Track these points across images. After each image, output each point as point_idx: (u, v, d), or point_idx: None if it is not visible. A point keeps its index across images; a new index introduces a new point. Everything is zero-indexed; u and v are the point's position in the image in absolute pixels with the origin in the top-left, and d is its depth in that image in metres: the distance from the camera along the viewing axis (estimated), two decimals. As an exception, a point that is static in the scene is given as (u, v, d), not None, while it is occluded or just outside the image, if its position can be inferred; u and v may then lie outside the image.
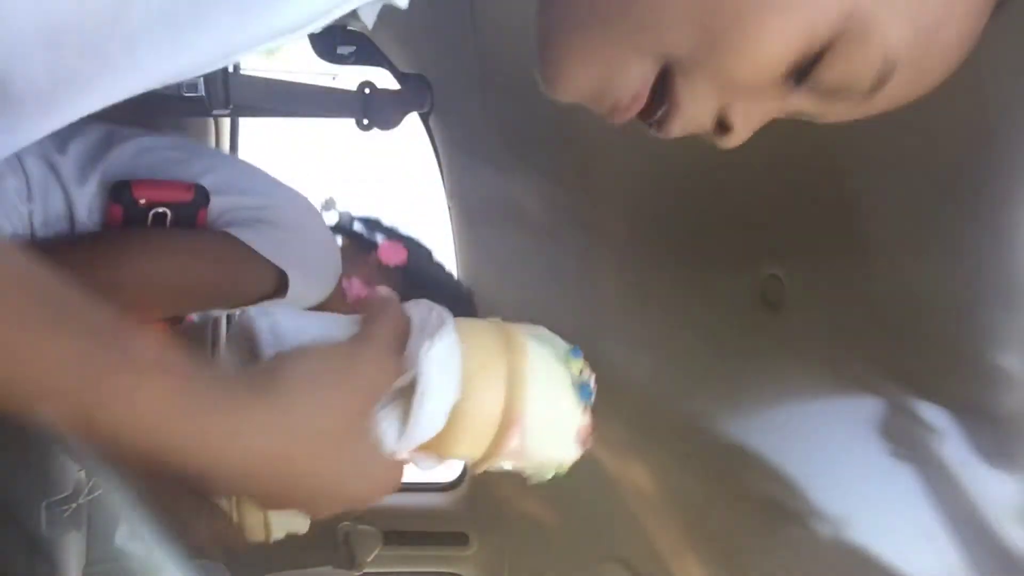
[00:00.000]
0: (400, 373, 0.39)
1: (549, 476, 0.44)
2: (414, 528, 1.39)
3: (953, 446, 0.60)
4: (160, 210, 0.81)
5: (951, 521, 0.62)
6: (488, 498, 1.35)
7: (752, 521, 0.83)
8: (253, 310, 0.41)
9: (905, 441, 0.65)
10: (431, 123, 1.25)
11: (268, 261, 0.80)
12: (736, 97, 0.43)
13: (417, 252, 1.02)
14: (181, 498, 0.39)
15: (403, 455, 0.40)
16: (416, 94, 1.12)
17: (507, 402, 0.40)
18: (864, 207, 0.64)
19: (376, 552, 1.35)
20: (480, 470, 0.43)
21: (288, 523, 0.42)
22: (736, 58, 0.41)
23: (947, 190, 0.57)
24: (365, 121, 1.09)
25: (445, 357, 0.39)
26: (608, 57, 0.43)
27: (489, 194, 1.03)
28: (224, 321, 1.42)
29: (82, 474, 1.16)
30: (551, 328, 0.46)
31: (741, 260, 0.77)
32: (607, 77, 0.43)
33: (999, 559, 0.58)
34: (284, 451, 0.35)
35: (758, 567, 0.84)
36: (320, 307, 0.90)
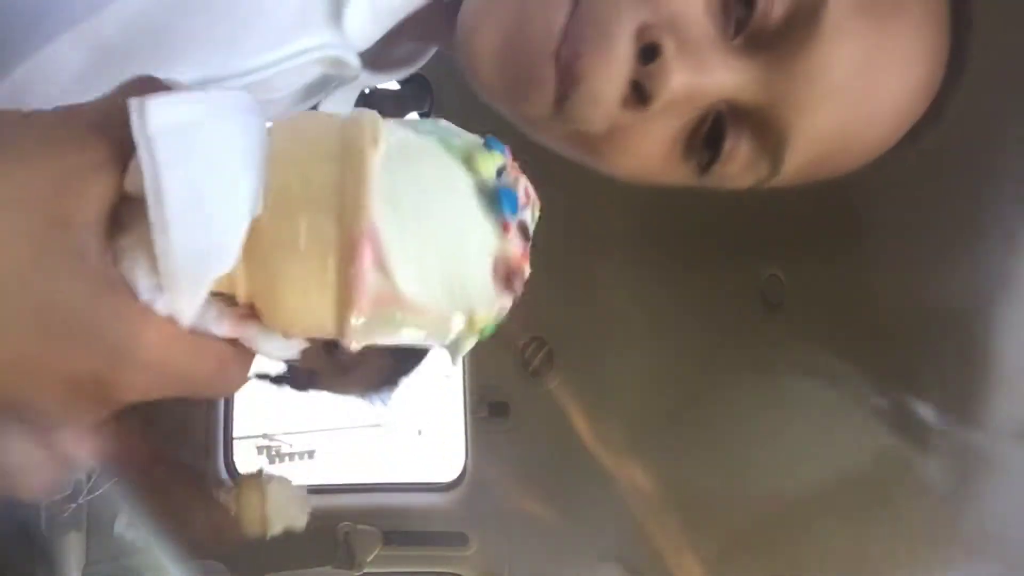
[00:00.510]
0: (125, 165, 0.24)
1: (461, 337, 0.28)
2: (414, 528, 1.38)
3: (950, 448, 0.60)
4: None
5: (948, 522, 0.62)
6: (488, 498, 1.35)
7: (752, 521, 0.83)
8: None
9: (904, 441, 0.65)
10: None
11: None
12: (659, 19, 0.39)
13: None
14: (177, 490, 0.36)
15: (181, 314, 0.24)
16: (416, 94, 1.12)
17: (342, 208, 0.24)
18: (864, 207, 0.64)
19: (376, 552, 1.35)
20: (350, 340, 0.26)
21: (286, 517, 0.38)
22: None
23: (947, 190, 0.57)
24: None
25: (201, 135, 0.24)
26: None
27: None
28: None
29: (82, 474, 1.16)
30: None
31: (741, 260, 0.77)
32: (523, 14, 0.40)
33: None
34: None
35: (758, 567, 0.84)
36: None
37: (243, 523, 0.36)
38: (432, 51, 0.53)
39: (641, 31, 0.38)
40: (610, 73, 0.39)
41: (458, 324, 0.27)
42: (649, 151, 0.42)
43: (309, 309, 0.25)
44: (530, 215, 0.29)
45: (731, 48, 0.39)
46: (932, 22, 0.41)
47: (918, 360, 0.62)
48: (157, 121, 0.22)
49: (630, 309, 0.96)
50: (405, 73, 0.53)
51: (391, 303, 0.25)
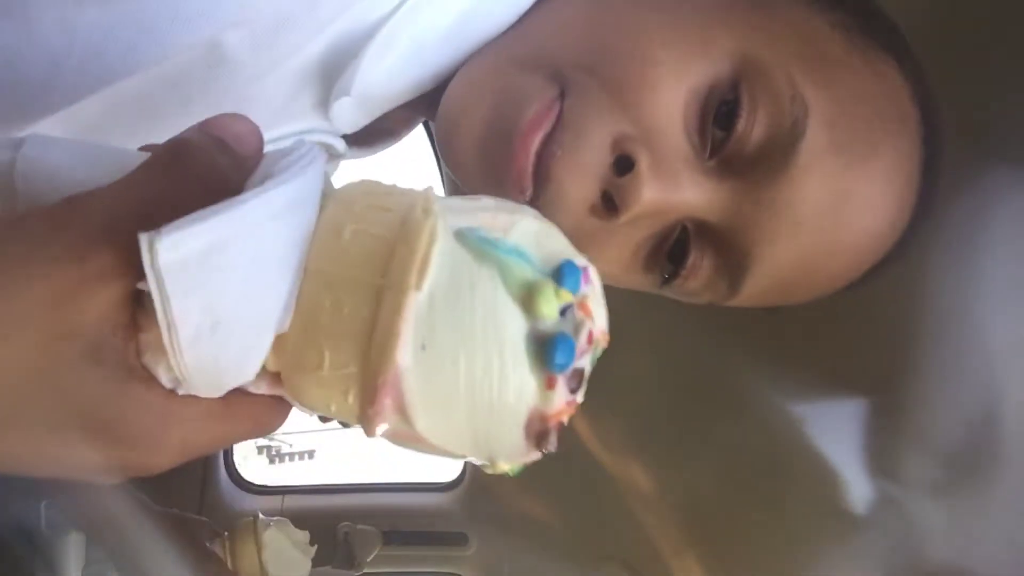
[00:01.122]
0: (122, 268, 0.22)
1: (498, 470, 0.27)
2: (414, 528, 1.38)
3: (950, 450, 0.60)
4: None
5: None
6: (488, 498, 1.35)
7: (753, 521, 0.83)
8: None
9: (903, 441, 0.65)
10: (431, 124, 1.25)
11: None
12: (636, 131, 0.39)
13: None
14: (173, 542, 0.36)
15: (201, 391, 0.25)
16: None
17: (367, 350, 0.23)
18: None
19: (376, 552, 1.35)
20: (371, 434, 0.25)
21: (285, 565, 0.36)
22: (627, 70, 0.38)
23: (948, 189, 0.57)
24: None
25: (222, 258, 0.22)
26: (503, 77, 0.41)
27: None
28: None
29: (82, 474, 1.16)
30: None
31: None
32: (504, 96, 0.40)
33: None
34: None
35: (759, 567, 0.84)
36: None
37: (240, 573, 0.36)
38: (418, 123, 0.54)
39: (618, 141, 0.39)
40: (583, 179, 0.39)
41: (480, 461, 0.27)
42: (611, 258, 0.42)
43: (334, 414, 0.26)
44: (590, 359, 0.26)
45: (705, 168, 0.39)
46: (904, 167, 0.41)
47: (917, 360, 0.62)
48: (169, 257, 0.21)
49: (630, 309, 0.96)
50: (390, 146, 0.54)
51: (410, 440, 0.25)
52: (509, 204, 0.26)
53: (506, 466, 0.27)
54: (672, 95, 0.38)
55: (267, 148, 0.42)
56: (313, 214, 0.24)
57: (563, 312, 0.25)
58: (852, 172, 0.39)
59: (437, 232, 0.23)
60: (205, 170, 0.25)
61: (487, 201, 0.26)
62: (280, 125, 0.43)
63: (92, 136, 0.39)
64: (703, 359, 0.87)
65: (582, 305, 0.25)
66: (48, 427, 0.24)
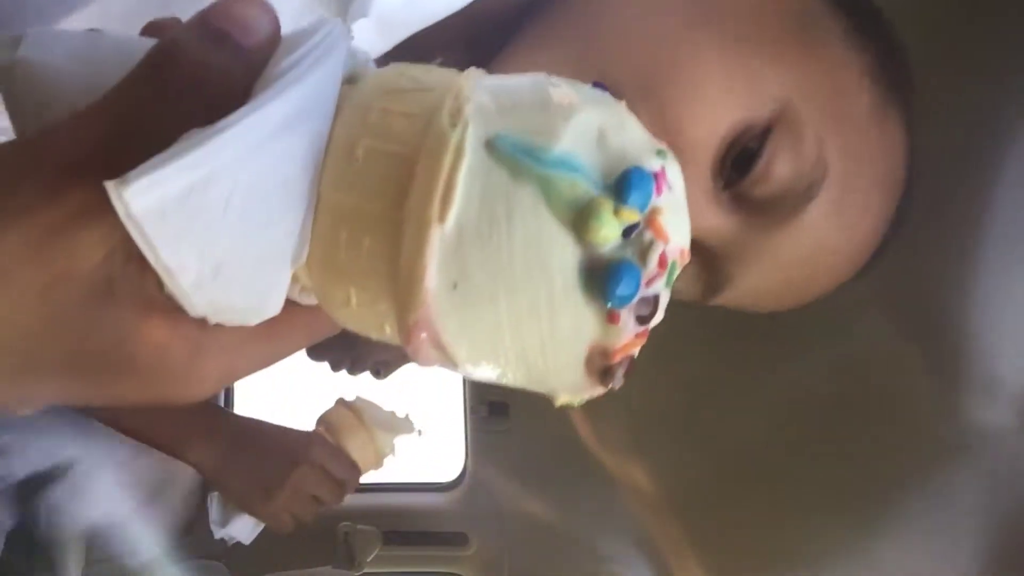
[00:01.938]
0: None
1: (560, 402, 0.24)
2: (414, 528, 1.38)
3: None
4: None
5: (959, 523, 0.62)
6: (488, 498, 1.35)
7: (753, 521, 0.83)
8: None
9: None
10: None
11: None
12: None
13: None
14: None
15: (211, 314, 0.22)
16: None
17: (394, 291, 0.20)
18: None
19: (376, 552, 1.35)
20: (422, 364, 0.22)
21: (392, 434, 0.34)
22: (677, 102, 0.40)
23: (948, 189, 0.57)
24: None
25: (208, 198, 0.19)
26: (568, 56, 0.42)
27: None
28: None
29: (82, 474, 1.16)
30: None
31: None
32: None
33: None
34: None
35: (758, 567, 0.84)
36: None
37: (362, 467, 0.34)
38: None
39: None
40: None
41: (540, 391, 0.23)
42: None
43: (378, 340, 0.23)
44: (664, 283, 0.22)
45: (719, 198, 0.42)
46: (883, 226, 0.45)
47: (917, 359, 0.62)
48: (141, 204, 0.18)
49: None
50: None
51: (458, 369, 0.21)
52: (567, 89, 0.22)
53: (569, 398, 0.24)
54: (711, 131, 0.40)
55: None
56: (325, 124, 0.21)
57: (627, 232, 0.21)
58: (843, 232, 0.43)
59: (465, 147, 0.19)
60: (197, 80, 0.20)
61: (537, 85, 0.22)
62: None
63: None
64: (703, 359, 0.87)
65: (652, 221, 0.21)
66: (71, 370, 0.22)
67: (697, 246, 0.43)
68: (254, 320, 0.22)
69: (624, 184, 0.20)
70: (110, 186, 0.18)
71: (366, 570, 1.36)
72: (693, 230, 0.40)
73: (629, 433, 1.00)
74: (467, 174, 0.19)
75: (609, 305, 0.21)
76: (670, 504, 0.97)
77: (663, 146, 0.22)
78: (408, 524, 1.38)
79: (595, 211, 0.20)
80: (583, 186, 0.20)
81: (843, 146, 0.41)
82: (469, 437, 1.30)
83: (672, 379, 0.92)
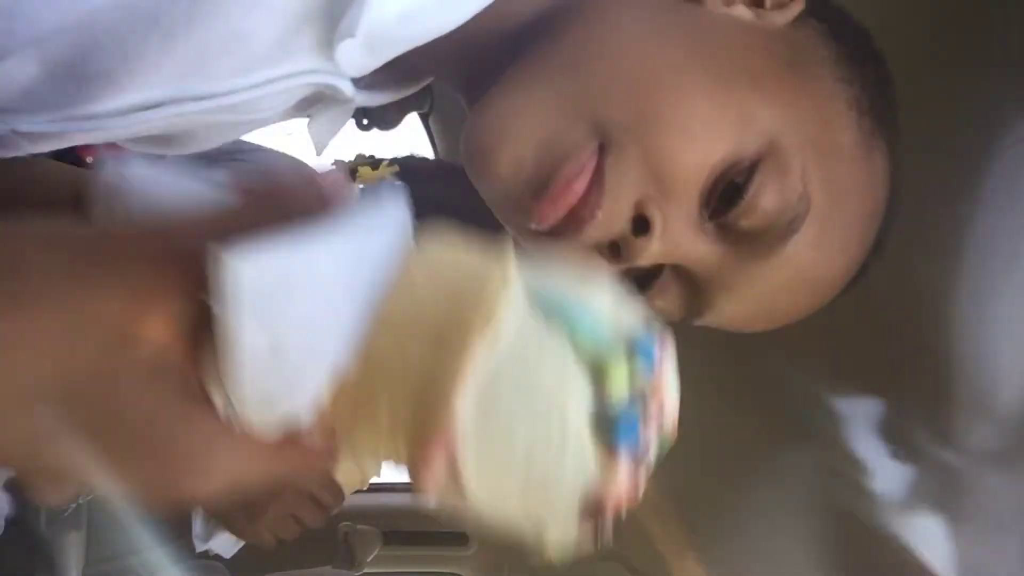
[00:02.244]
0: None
1: (545, 548, 0.25)
2: (414, 528, 1.38)
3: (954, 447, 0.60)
4: None
5: (953, 522, 0.62)
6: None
7: (753, 522, 0.83)
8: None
9: (905, 441, 0.65)
10: (431, 123, 1.25)
11: None
12: (658, 194, 0.42)
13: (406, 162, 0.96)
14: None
15: (258, 426, 0.24)
16: (416, 94, 1.11)
17: (426, 406, 0.22)
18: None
19: (376, 552, 1.35)
20: (420, 486, 0.24)
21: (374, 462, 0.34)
22: (668, 142, 0.41)
23: (947, 189, 0.57)
24: (365, 121, 1.09)
25: (291, 290, 0.22)
26: (548, 118, 0.42)
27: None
28: None
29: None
30: None
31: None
32: (547, 140, 0.42)
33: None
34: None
35: (758, 567, 0.84)
36: None
37: (347, 489, 0.34)
38: (429, 80, 0.51)
39: (641, 202, 0.42)
40: (602, 232, 0.42)
41: (528, 532, 0.25)
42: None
43: (383, 458, 0.25)
44: (655, 448, 0.25)
45: (703, 228, 0.43)
46: (862, 256, 0.46)
47: (917, 358, 0.62)
48: (238, 274, 0.21)
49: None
50: (406, 92, 0.51)
51: (458, 502, 0.24)
52: (584, 269, 0.27)
53: (553, 544, 0.25)
54: (700, 168, 0.41)
55: (265, 91, 0.40)
56: (390, 262, 0.24)
57: (633, 393, 0.24)
58: (824, 262, 0.44)
59: (511, 292, 0.23)
60: (297, 212, 0.25)
61: (563, 263, 0.27)
62: (278, 64, 0.41)
63: (66, 75, 0.37)
64: (703, 358, 0.87)
65: (655, 390, 0.24)
66: (97, 434, 0.23)
67: (682, 272, 0.44)
68: (282, 414, 0.24)
69: (637, 348, 0.24)
70: (217, 251, 0.21)
71: (366, 570, 1.36)
72: (680, 257, 0.43)
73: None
74: (511, 313, 0.23)
75: (613, 452, 0.23)
76: (670, 504, 0.97)
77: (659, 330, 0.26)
78: (408, 524, 1.38)
79: (613, 368, 0.23)
80: (605, 342, 0.24)
81: (827, 179, 0.42)
82: (469, 437, 1.30)
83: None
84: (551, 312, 0.24)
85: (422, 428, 0.22)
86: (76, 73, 0.37)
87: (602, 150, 0.41)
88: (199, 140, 0.49)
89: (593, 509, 0.24)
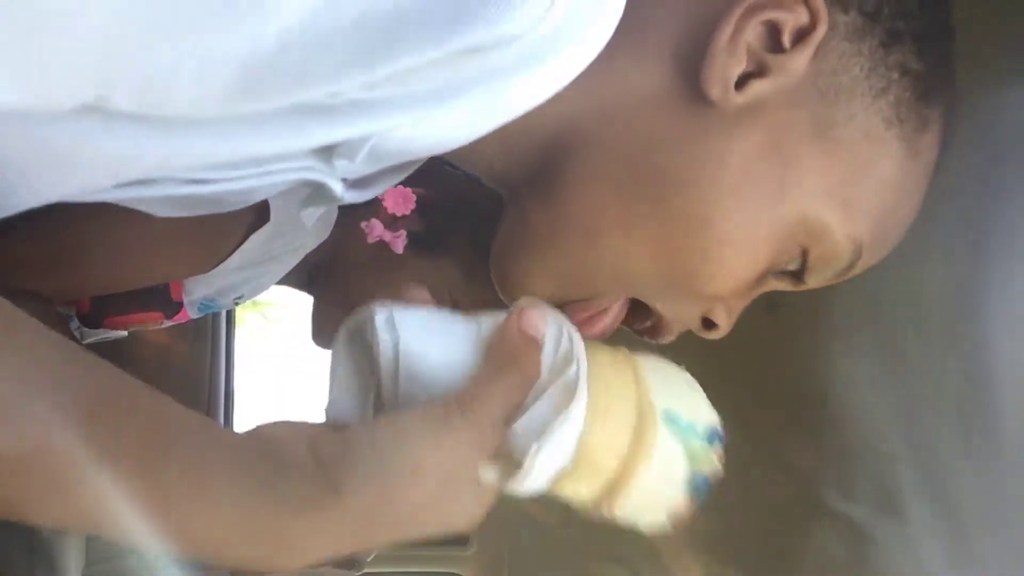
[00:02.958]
0: (501, 441, 0.38)
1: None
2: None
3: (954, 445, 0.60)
4: None
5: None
6: (488, 498, 1.35)
7: (752, 522, 0.83)
8: (375, 306, 0.39)
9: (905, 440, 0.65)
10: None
11: None
12: (717, 302, 0.45)
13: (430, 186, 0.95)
14: None
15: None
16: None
17: (608, 495, 0.40)
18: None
19: (376, 552, 1.35)
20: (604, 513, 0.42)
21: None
22: (705, 288, 0.43)
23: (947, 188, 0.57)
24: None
25: (556, 453, 0.38)
26: (574, 288, 0.45)
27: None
28: (224, 318, 1.41)
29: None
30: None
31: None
32: (571, 295, 0.45)
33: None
34: (357, 540, 0.35)
35: (758, 567, 0.84)
36: (340, 253, 0.81)
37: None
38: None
39: (705, 314, 0.46)
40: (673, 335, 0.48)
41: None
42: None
43: (569, 495, 0.43)
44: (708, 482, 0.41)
45: (763, 285, 0.46)
46: (918, 206, 0.46)
47: (917, 357, 0.62)
48: (540, 459, 0.38)
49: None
50: (391, 184, 0.50)
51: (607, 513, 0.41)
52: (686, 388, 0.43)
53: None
54: (747, 282, 0.44)
55: (263, 179, 0.40)
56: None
57: (703, 464, 0.41)
58: (886, 246, 0.46)
59: (657, 441, 0.39)
60: (533, 369, 0.39)
61: (684, 376, 0.44)
62: (276, 161, 0.40)
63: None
64: (702, 358, 0.87)
65: (715, 459, 0.41)
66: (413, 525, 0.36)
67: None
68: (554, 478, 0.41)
69: (714, 437, 0.41)
70: (533, 447, 0.38)
71: (366, 570, 1.36)
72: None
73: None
74: (661, 427, 0.39)
75: (689, 496, 0.41)
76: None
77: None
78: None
79: (706, 457, 0.40)
80: (700, 445, 0.40)
81: (877, 214, 0.43)
82: (469, 437, 1.29)
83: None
84: (674, 431, 0.39)
85: (607, 496, 0.41)
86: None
87: (645, 304, 0.45)
88: (190, 211, 0.47)
89: (672, 516, 0.41)
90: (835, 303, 0.69)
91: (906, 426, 0.65)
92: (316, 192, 0.44)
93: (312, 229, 0.76)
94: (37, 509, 0.30)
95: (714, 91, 0.39)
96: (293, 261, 0.81)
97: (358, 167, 0.41)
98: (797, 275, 0.44)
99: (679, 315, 0.46)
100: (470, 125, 0.39)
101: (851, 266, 0.44)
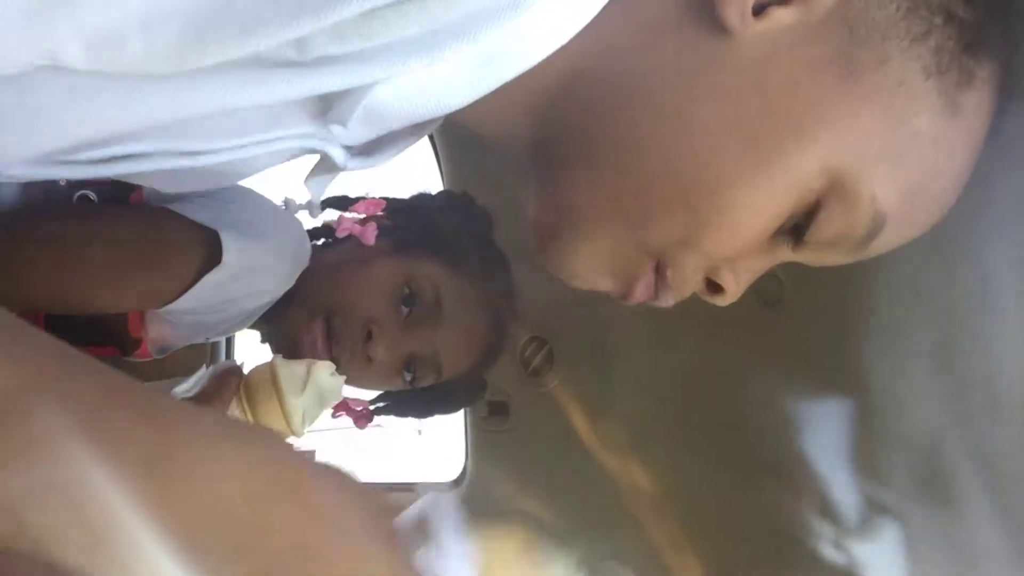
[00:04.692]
0: None
1: None
2: (414, 528, 1.38)
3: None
4: (84, 192, 0.74)
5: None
6: (488, 498, 1.35)
7: (752, 521, 0.83)
8: (428, 505, 0.40)
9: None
10: (437, 142, 1.25)
11: (194, 223, 0.68)
12: (725, 263, 0.42)
13: (394, 199, 0.95)
14: None
15: None
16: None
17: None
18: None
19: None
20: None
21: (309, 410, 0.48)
22: (723, 237, 0.40)
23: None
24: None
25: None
26: (612, 256, 0.43)
27: (491, 196, 1.04)
28: (223, 345, 1.40)
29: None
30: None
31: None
32: (611, 270, 0.44)
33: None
34: None
35: (758, 568, 0.84)
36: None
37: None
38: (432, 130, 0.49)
39: (709, 272, 0.43)
40: (679, 298, 0.45)
41: None
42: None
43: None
44: None
45: (775, 247, 0.43)
46: (963, 182, 0.43)
47: (917, 356, 0.62)
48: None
49: (631, 311, 0.96)
50: (399, 153, 0.49)
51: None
52: None
53: None
54: (760, 237, 0.40)
55: (260, 149, 0.39)
56: None
57: None
58: (919, 224, 0.42)
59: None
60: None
61: None
62: (270, 130, 0.39)
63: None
64: (704, 359, 0.87)
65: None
66: None
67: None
68: None
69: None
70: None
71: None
72: (760, 272, 0.44)
73: (629, 433, 1.00)
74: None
75: None
76: (670, 504, 0.97)
77: None
78: (408, 524, 1.38)
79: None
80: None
81: (906, 180, 0.39)
82: (469, 437, 1.29)
83: (672, 379, 0.92)
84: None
85: None
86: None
87: (660, 265, 0.43)
88: (187, 184, 0.47)
89: None
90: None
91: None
92: (321, 162, 0.44)
93: (275, 276, 0.75)
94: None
95: (731, 17, 0.36)
96: (254, 305, 0.78)
97: (357, 132, 0.40)
98: (797, 234, 0.41)
99: (686, 276, 0.43)
100: (467, 84, 0.37)
101: (869, 237, 0.40)
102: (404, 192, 1.00)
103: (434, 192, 1.03)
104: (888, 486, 0.67)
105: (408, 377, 0.87)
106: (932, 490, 0.62)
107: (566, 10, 0.35)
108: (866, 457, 0.69)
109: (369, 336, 0.82)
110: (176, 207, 0.69)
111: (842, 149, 0.37)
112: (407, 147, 0.48)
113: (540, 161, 0.44)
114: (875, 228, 0.40)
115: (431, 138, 1.25)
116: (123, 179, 0.41)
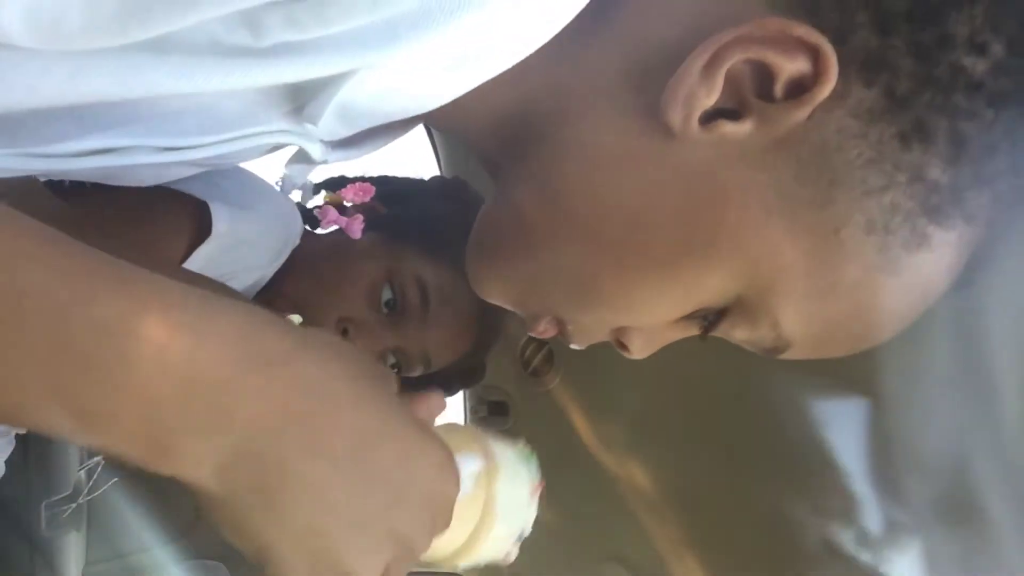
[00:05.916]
0: None
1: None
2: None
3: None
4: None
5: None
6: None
7: (752, 522, 0.83)
8: None
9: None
10: (433, 131, 1.25)
11: (183, 196, 0.66)
12: (630, 328, 0.44)
13: (386, 183, 0.93)
14: None
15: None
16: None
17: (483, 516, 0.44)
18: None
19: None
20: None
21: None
22: (619, 318, 0.42)
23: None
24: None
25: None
26: (519, 292, 0.45)
27: (487, 182, 1.04)
28: None
29: (82, 474, 1.16)
30: None
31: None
32: (519, 306, 0.46)
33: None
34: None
35: (758, 568, 0.84)
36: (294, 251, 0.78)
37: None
38: (418, 124, 0.48)
39: (614, 332, 0.45)
40: (587, 344, 0.46)
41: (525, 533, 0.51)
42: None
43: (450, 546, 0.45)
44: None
45: (687, 329, 0.44)
46: (894, 329, 0.42)
47: (915, 356, 0.62)
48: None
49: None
50: (383, 147, 0.48)
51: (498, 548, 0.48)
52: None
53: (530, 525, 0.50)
54: (659, 322, 0.42)
55: (237, 144, 0.39)
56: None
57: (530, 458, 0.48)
58: (810, 356, 0.44)
59: (481, 548, 0.47)
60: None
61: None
62: (246, 126, 0.38)
63: (23, 118, 0.35)
64: (704, 359, 0.87)
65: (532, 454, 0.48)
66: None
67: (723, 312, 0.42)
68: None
69: (520, 539, 0.50)
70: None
71: None
72: (675, 338, 0.46)
73: (629, 433, 1.00)
74: (483, 547, 0.47)
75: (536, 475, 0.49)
76: (670, 504, 0.97)
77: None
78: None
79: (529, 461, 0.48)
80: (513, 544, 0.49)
81: (819, 320, 0.37)
82: (469, 437, 1.29)
83: (672, 379, 0.92)
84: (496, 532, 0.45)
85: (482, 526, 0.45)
86: (36, 116, 0.35)
87: (560, 319, 0.44)
88: (162, 178, 0.47)
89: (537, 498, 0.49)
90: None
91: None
92: (300, 152, 0.43)
93: (265, 250, 0.74)
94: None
95: (672, 116, 0.34)
96: (247, 282, 0.77)
97: (332, 129, 0.40)
98: (706, 325, 0.41)
99: (587, 335, 0.45)
100: (439, 87, 0.36)
101: (775, 352, 0.40)
102: (400, 173, 0.98)
103: (427, 178, 1.01)
104: (888, 486, 0.67)
105: (392, 363, 0.86)
106: (932, 489, 0.62)
107: (535, 14, 0.34)
108: (866, 457, 0.69)
109: (345, 334, 0.80)
110: (165, 182, 0.69)
111: (753, 276, 0.36)
112: (395, 139, 0.47)
113: (495, 174, 0.46)
114: (779, 348, 0.40)
115: (431, 141, 1.25)
116: (106, 179, 0.40)
